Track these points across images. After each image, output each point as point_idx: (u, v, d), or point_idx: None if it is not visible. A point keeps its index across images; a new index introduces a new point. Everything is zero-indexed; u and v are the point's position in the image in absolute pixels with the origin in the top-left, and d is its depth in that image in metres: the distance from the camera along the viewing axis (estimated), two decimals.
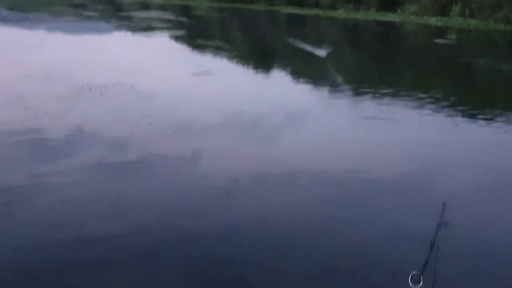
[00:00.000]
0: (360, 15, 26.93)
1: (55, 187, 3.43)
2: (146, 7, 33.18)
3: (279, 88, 7.68)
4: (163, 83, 7.42)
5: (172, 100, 6.45)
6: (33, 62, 8.65)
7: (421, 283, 2.35)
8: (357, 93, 7.34)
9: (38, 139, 4.44)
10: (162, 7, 32.67)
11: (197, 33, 15.14)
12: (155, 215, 3.07)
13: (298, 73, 9.06)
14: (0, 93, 6.29)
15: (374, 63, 11.26)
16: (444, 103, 6.77)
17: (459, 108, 6.54)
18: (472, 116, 6.09)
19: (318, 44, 15.69)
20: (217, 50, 11.78)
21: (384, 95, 7.10)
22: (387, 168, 4.09)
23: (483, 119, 5.99)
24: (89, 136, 4.60)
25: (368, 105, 6.44)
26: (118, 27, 17.40)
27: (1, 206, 3.10)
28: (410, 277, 2.38)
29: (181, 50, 11.80)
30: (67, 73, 7.55)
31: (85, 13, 26.58)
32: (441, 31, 18.81)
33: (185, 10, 30.68)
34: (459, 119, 5.86)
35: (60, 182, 3.51)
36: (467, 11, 22.40)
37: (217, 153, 4.29)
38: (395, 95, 7.16)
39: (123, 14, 26.42)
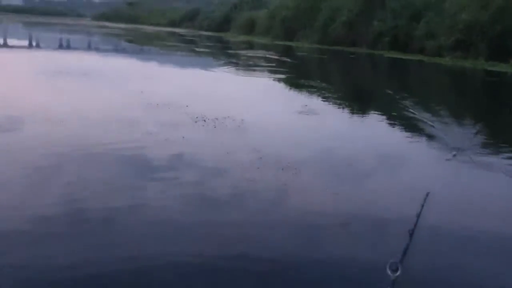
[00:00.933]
0: (468, 64, 25.88)
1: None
2: (251, 46, 34.77)
3: (373, 133, 7.64)
4: (270, 119, 7.72)
5: (280, 136, 6.69)
6: (150, 92, 9.46)
7: (399, 271, 2.32)
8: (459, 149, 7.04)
9: (157, 167, 4.85)
10: (265, 47, 34.07)
11: (299, 73, 15.56)
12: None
13: (395, 120, 8.88)
14: (123, 119, 6.97)
15: (481, 116, 10.60)
16: None
17: None
18: None
19: (420, 92, 15.29)
20: (320, 90, 11.99)
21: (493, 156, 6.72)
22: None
23: None
24: (204, 165, 4.93)
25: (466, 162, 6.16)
26: (226, 64, 18.45)
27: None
28: (388, 265, 2.35)
29: (285, 89, 12.21)
30: (183, 104, 8.15)
31: (196, 49, 28.48)
32: None
33: (287, 50, 31.72)
34: None
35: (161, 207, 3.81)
36: None
37: (319, 192, 4.38)
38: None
39: (230, 51, 27.98)
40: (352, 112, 9.74)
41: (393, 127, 8.33)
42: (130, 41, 32.98)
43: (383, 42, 34.13)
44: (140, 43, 32.32)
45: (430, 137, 7.29)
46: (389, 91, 14.47)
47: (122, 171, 4.57)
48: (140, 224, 3.41)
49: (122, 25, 72.12)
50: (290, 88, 12.48)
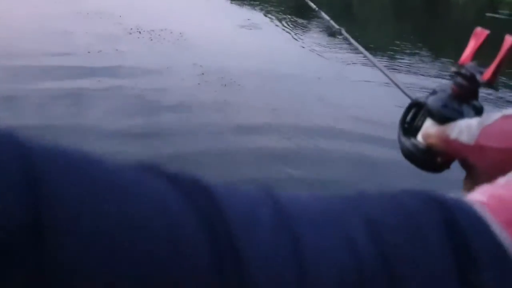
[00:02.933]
0: None
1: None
2: None
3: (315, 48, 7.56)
4: (211, 34, 7.37)
5: (221, 51, 6.41)
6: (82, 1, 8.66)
7: None
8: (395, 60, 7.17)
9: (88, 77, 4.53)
10: None
11: None
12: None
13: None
14: (49, 27, 6.35)
15: (411, 33, 10.83)
16: None
17: None
18: None
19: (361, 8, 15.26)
20: (262, 3, 11.58)
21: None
22: None
23: None
24: (140, 80, 4.66)
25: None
26: None
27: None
28: None
29: (227, 2, 11.62)
30: (116, 14, 7.55)
31: None
32: (493, 5, 17.99)
33: None
34: None
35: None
36: None
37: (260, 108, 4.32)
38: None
39: None
40: (291, 27, 9.50)
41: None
42: None
43: None
44: None
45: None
46: (334, 6, 14.25)
47: (52, 85, 4.22)
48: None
49: None
50: (232, 1, 11.92)
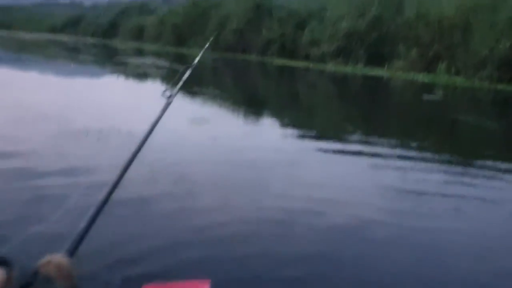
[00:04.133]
0: (348, 69, 27.74)
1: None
2: (141, 53, 33.78)
3: (268, 137, 7.76)
4: (160, 130, 7.41)
5: (170, 148, 6.44)
6: (26, 104, 8.64)
7: None
8: (344, 142, 7.44)
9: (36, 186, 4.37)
10: (157, 54, 33.35)
11: (192, 81, 15.37)
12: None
13: (289, 123, 9.17)
14: None
15: (361, 116, 11.46)
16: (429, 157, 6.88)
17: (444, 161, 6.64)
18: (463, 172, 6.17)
19: (307, 96, 16.06)
20: (212, 98, 11.96)
21: (366, 148, 7.18)
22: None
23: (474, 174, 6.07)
24: (86, 180, 4.54)
25: (354, 155, 6.52)
26: (112, 72, 17.62)
27: None
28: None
29: (177, 97, 11.92)
30: (63, 116, 7.54)
31: (80, 56, 26.94)
32: (428, 87, 19.37)
33: (179, 58, 31.32)
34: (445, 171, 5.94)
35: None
36: (453, 69, 23.23)
37: (208, 202, 4.27)
38: (383, 147, 7.25)
39: (118, 59, 26.85)
40: (240, 118, 9.78)
41: (286, 131, 8.54)
42: (4, 49, 30.18)
43: (272, 49, 35.28)
44: (16, 51, 29.72)
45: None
46: (278, 97, 14.94)
47: None
48: None
49: None
50: (182, 97, 12.24)
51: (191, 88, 13.43)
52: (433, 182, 5.48)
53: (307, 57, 32.27)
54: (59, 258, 1.01)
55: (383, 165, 6.19)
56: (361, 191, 5.04)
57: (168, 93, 2.20)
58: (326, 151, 6.87)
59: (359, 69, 27.43)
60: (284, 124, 9.12)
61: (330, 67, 28.67)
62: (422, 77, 23.06)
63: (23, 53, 28.57)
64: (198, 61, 2.74)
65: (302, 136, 8.02)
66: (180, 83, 2.45)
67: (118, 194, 4.16)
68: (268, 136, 7.96)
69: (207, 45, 3.98)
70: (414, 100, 16.19)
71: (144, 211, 4.01)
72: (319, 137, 8.10)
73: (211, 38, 5.85)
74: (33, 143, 5.86)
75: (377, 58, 28.34)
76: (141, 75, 17.48)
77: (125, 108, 9.05)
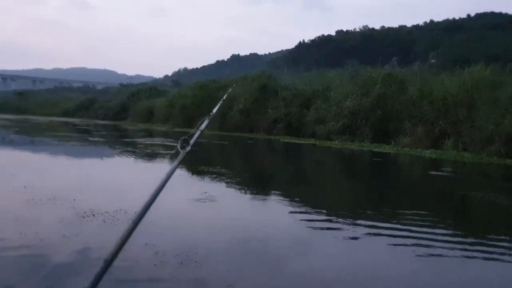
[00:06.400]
0: (355, 146, 27.93)
1: None
2: (150, 134, 34.52)
3: (275, 215, 7.64)
4: (167, 210, 7.35)
5: (176, 227, 6.35)
6: (36, 187, 8.68)
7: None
8: (353, 221, 7.27)
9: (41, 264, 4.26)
10: (165, 134, 34.05)
11: (200, 160, 15.47)
12: None
13: (296, 201, 9.07)
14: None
15: (370, 193, 11.35)
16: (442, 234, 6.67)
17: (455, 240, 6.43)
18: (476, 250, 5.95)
19: (315, 172, 16.04)
20: (219, 176, 11.97)
21: (380, 227, 7.01)
22: None
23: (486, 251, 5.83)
24: (91, 263, 4.42)
25: (362, 234, 6.34)
26: (122, 152, 17.87)
27: None
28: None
29: (185, 177, 11.93)
30: (70, 198, 7.53)
31: (91, 138, 27.53)
32: (436, 163, 19.34)
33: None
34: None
35: None
36: (460, 145, 23.26)
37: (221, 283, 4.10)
38: (393, 226, 7.08)
39: (127, 140, 27.38)
40: (248, 197, 9.72)
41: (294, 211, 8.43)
42: (19, 132, 30.99)
43: (278, 127, 35.84)
44: (30, 134, 30.48)
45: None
46: (286, 174, 14.94)
47: None
48: None
49: (11, 116, 68.05)
50: (190, 175, 12.28)
51: (198, 167, 13.52)
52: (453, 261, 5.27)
53: (313, 135, 32.66)
54: None
55: (399, 243, 6.00)
56: (376, 271, 4.84)
57: (185, 143, 2.34)
58: (336, 229, 6.71)
59: (366, 146, 27.60)
60: (292, 202, 9.02)
61: (336, 144, 28.91)
62: (429, 153, 23.07)
63: (36, 135, 29.26)
64: (210, 118, 2.85)
65: (312, 213, 7.89)
66: (198, 132, 2.57)
67: (122, 274, 4.07)
68: (276, 214, 7.84)
69: (224, 97, 4.22)
70: (423, 176, 16.11)
71: None
72: (329, 214, 7.96)
73: (228, 91, 6.13)
74: (41, 226, 5.81)
75: (383, 134, 28.59)
76: (150, 155, 17.70)
77: (134, 189, 9.04)
